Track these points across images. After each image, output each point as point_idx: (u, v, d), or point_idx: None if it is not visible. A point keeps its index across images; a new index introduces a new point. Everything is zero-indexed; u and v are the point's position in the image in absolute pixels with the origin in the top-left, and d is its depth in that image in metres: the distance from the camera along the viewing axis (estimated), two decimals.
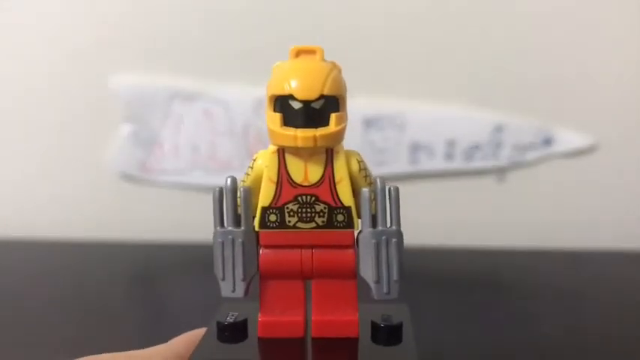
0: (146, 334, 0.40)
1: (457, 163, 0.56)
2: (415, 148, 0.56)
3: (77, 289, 0.47)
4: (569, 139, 0.56)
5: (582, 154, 0.56)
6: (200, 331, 0.22)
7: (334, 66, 0.21)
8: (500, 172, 0.57)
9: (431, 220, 0.55)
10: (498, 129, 0.56)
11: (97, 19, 0.56)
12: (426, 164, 0.57)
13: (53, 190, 0.59)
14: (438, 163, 0.57)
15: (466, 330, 0.40)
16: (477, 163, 0.56)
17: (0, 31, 0.57)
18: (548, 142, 0.56)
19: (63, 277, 0.50)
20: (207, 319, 0.42)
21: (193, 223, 0.58)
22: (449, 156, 0.56)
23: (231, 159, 0.57)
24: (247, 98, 0.56)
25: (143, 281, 0.52)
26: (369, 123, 0.55)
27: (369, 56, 0.55)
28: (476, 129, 0.56)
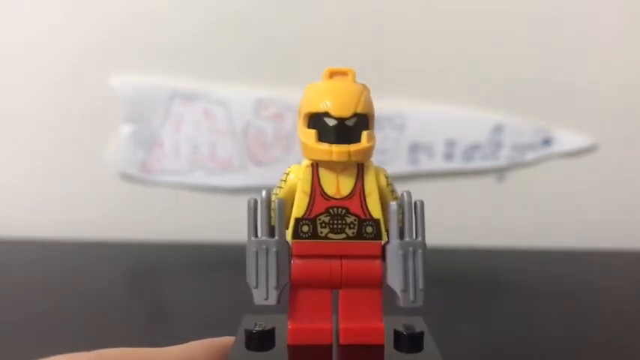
0: (146, 333, 0.40)
1: (457, 163, 0.56)
2: (415, 148, 0.56)
3: (77, 288, 0.47)
4: (568, 139, 0.56)
5: (582, 154, 0.56)
6: (220, 340, 0.22)
7: (365, 87, 0.22)
8: (500, 172, 0.57)
9: (431, 220, 0.55)
10: (498, 129, 0.56)
11: (98, 19, 0.56)
12: (426, 164, 0.57)
13: (53, 190, 0.59)
14: (438, 163, 0.57)
15: (465, 330, 0.40)
16: (477, 163, 0.56)
17: (1, 31, 0.57)
18: (547, 142, 0.56)
19: (63, 277, 0.50)
20: (208, 319, 0.42)
21: (193, 223, 0.58)
22: (448, 156, 0.56)
23: (231, 159, 0.57)
24: (247, 98, 0.56)
25: (143, 281, 0.52)
26: None
27: (369, 56, 0.55)
28: (476, 129, 0.56)
